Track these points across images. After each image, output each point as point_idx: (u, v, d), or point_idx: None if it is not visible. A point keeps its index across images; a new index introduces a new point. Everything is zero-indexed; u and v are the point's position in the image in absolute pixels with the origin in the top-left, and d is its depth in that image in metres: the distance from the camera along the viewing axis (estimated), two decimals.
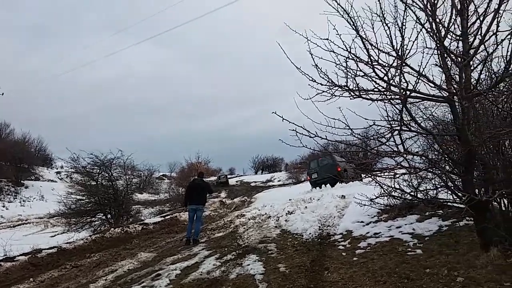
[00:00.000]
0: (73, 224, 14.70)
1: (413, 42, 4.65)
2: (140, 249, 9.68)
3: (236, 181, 47.34)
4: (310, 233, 7.33)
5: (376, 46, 4.92)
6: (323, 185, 17.48)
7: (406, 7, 4.53)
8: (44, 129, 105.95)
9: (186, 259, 7.13)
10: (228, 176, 52.04)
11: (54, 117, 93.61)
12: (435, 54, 4.67)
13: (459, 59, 4.53)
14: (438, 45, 4.49)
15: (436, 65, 4.72)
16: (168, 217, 16.41)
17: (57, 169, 47.80)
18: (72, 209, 15.02)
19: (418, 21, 4.53)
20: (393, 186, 6.22)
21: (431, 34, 4.49)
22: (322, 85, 5.21)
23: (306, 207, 10.03)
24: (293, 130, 4.57)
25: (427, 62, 4.60)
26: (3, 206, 28.11)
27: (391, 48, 4.83)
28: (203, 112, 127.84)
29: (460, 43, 4.73)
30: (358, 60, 5.04)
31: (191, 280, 5.55)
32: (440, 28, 4.56)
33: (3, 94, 42.57)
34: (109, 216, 15.44)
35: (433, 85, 4.66)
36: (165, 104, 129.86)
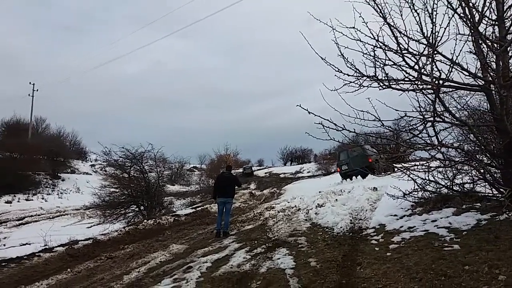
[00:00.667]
0: (108, 215, 15.15)
1: (445, 28, 4.46)
2: (172, 240, 9.87)
3: (265, 173, 47.46)
4: (341, 227, 7.21)
5: (405, 33, 4.76)
6: (353, 177, 17.18)
7: None
8: (78, 123, 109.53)
9: (216, 251, 7.20)
10: (257, 168, 52.85)
11: (86, 111, 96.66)
12: (469, 41, 4.48)
13: (496, 45, 4.31)
14: (472, 31, 4.27)
15: (471, 52, 4.50)
16: (199, 208, 16.67)
17: (91, 162, 49.36)
18: (106, 201, 15.48)
19: (449, 6, 4.33)
20: (427, 178, 6.03)
21: (464, 19, 4.28)
22: (349, 75, 5.10)
23: (336, 199, 9.89)
24: (319, 123, 4.47)
25: (461, 50, 4.41)
26: (42, 198, 29.26)
27: (421, 35, 4.66)
28: (231, 104, 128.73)
29: (496, 28, 4.50)
30: (386, 48, 4.89)
31: (222, 273, 5.59)
32: (474, 13, 4.33)
33: (38, 90, 44.76)
34: (142, 207, 15.81)
35: (467, 74, 4.45)
36: (193, 96, 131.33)
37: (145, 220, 13.40)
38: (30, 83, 45.24)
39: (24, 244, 12.57)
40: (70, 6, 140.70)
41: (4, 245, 13.23)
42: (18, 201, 27.21)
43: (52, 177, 35.34)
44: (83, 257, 9.20)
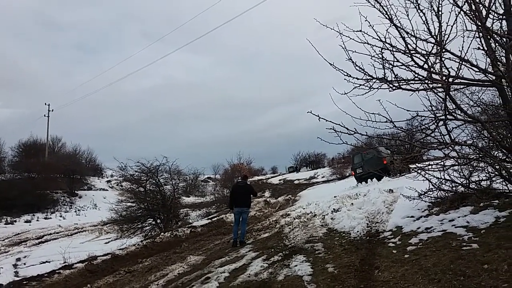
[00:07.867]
0: (125, 230, 15.28)
1: (452, 26, 4.45)
2: (189, 252, 9.89)
3: (279, 180, 47.25)
4: (357, 231, 7.15)
5: (412, 33, 4.75)
6: (369, 180, 17.01)
7: None
8: (93, 140, 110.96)
9: (234, 261, 7.21)
10: (271, 176, 53.06)
11: (102, 128, 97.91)
12: (477, 37, 4.43)
13: (504, 39, 4.26)
14: (480, 27, 4.24)
15: (479, 48, 4.46)
16: (215, 219, 16.66)
17: (107, 178, 49.76)
18: (123, 216, 15.60)
19: (455, 4, 4.32)
20: (443, 178, 5.94)
21: (471, 16, 4.25)
22: (358, 79, 5.10)
23: (352, 203, 9.82)
24: (331, 128, 4.46)
25: (469, 46, 4.38)
26: (61, 216, 29.68)
27: (429, 34, 4.66)
28: (243, 114, 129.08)
29: (504, 23, 4.45)
30: (394, 49, 4.89)
31: (240, 283, 5.59)
32: (481, 8, 4.30)
33: (53, 110, 45.61)
34: (158, 220, 15.93)
35: (477, 70, 4.41)
36: (205, 108, 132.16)
37: (162, 233, 13.49)
38: (45, 104, 46.07)
39: (44, 262, 12.79)
40: (82, 26, 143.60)
41: (25, 264, 13.42)
42: (37, 220, 27.65)
43: (69, 195, 35.87)
44: (102, 272, 9.30)
